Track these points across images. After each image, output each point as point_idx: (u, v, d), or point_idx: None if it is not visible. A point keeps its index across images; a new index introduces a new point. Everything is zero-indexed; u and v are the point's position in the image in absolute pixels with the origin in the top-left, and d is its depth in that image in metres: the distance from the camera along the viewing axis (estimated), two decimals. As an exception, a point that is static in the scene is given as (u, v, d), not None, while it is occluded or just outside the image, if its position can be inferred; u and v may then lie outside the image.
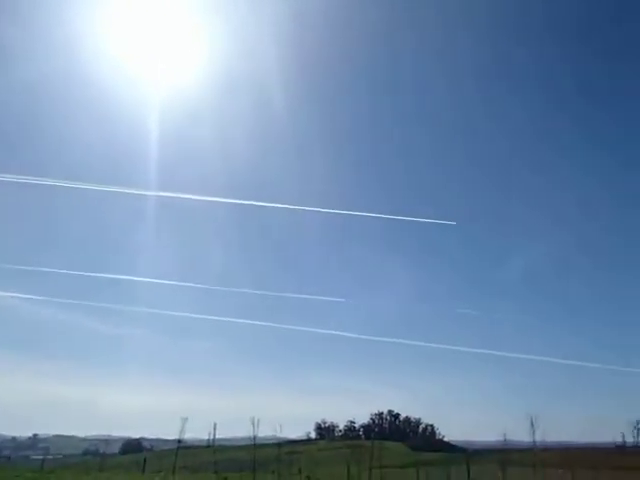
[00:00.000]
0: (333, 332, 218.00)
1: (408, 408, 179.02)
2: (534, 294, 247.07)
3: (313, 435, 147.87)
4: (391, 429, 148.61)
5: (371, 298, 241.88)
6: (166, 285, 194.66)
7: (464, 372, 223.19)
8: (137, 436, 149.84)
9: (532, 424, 15.14)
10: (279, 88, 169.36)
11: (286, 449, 65.89)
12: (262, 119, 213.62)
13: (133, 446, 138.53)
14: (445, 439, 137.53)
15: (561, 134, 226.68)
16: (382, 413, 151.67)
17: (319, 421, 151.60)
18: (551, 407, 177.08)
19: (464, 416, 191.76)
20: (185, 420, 28.03)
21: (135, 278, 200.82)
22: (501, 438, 29.69)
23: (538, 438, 16.09)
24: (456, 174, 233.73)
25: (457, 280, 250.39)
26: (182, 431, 28.69)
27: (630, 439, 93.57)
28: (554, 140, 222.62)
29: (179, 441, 31.23)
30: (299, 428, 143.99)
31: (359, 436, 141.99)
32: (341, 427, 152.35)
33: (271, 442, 65.31)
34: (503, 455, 31.01)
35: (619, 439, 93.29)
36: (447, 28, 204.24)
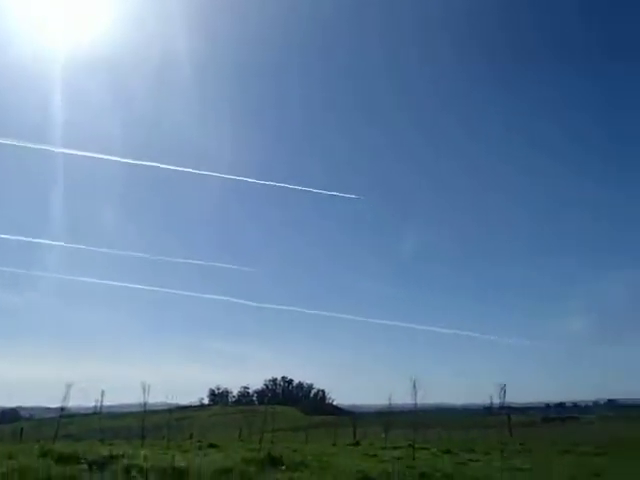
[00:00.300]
0: (228, 299, 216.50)
1: (301, 374, 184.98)
2: (427, 270, 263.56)
3: (206, 401, 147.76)
4: (284, 394, 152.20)
5: (266, 266, 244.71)
6: (56, 247, 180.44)
7: (355, 340, 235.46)
8: (14, 405, 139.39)
9: (414, 387, 16.28)
10: (186, 48, 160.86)
11: (177, 415, 65.11)
12: (167, 79, 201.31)
13: (9, 415, 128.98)
14: (335, 403, 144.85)
15: (473, 114, 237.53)
16: (276, 379, 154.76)
17: (213, 387, 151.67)
18: (431, 372, 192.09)
19: (353, 381, 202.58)
20: (69, 387, 26.16)
21: (24, 239, 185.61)
22: (386, 402, 31.48)
23: (419, 401, 17.28)
24: (364, 148, 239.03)
25: (358, 253, 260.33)
26: (66, 398, 26.76)
27: (497, 400, 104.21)
28: (468, 123, 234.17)
29: (62, 409, 29.23)
30: (193, 395, 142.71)
31: (252, 402, 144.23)
32: (235, 393, 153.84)
33: (162, 409, 64.17)
34: (386, 417, 32.90)
35: (488, 401, 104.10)
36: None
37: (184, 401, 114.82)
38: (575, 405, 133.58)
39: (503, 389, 20.83)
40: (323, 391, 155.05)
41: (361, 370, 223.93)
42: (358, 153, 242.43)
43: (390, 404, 30.19)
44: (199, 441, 26.33)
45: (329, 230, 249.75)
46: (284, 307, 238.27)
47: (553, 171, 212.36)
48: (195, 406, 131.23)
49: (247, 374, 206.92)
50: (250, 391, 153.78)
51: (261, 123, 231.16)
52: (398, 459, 16.20)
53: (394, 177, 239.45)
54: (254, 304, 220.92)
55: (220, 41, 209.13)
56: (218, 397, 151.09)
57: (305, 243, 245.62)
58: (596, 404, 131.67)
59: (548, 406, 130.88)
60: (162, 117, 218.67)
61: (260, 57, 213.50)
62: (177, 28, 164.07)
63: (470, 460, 15.91)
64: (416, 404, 15.52)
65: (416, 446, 19.92)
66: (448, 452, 18.83)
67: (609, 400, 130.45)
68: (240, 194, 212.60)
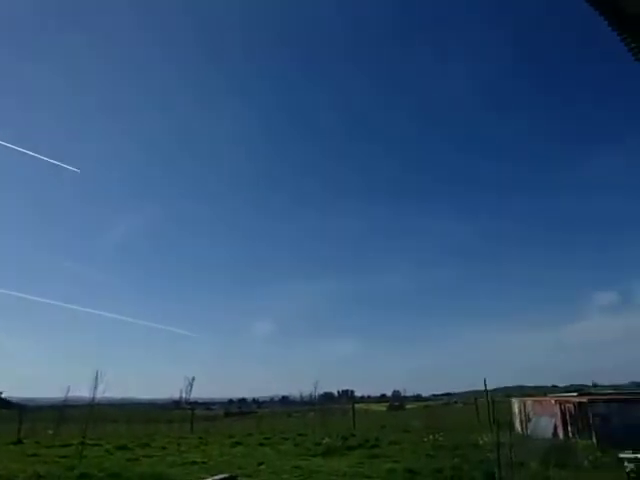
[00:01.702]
0: None
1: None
2: (126, 258, 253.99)
3: None
4: None
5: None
6: None
7: (33, 326, 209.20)
8: None
9: (96, 380, 14.76)
10: None
11: None
12: None
13: None
14: (3, 396, 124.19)
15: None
16: None
17: None
18: (117, 364, 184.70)
19: (27, 372, 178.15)
20: None
21: None
22: (63, 394, 28.12)
23: (102, 394, 15.77)
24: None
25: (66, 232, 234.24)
26: None
27: (185, 395, 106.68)
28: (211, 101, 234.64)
29: None
30: None
31: None
32: None
33: None
34: (61, 411, 29.60)
35: (177, 396, 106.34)
36: None
37: None
38: (255, 400, 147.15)
39: (191, 383, 20.89)
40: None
41: (35, 360, 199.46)
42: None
43: (66, 398, 26.97)
44: None
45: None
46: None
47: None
48: None
49: None
50: None
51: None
52: (63, 458, 14.42)
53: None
54: None
55: None
56: None
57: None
58: (272, 400, 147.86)
59: (231, 401, 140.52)
60: None
61: None
62: None
63: (144, 456, 15.25)
64: (94, 398, 14.04)
65: (90, 442, 18.23)
66: (123, 448, 17.73)
67: (283, 397, 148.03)
68: None
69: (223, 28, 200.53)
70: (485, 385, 28.38)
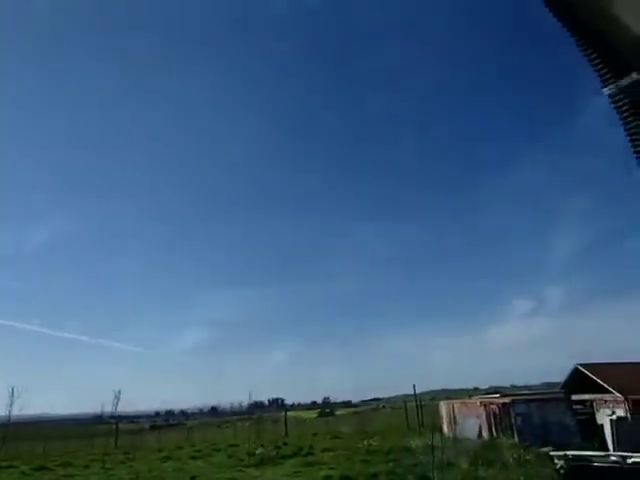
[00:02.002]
0: None
1: None
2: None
3: None
4: None
5: None
6: None
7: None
8: None
9: (11, 396, 13.74)
10: None
11: None
12: None
13: None
14: None
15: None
16: None
17: None
18: (35, 379, 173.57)
19: None
20: None
21: None
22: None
23: (17, 412, 14.70)
24: None
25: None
26: None
27: (108, 409, 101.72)
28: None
29: None
30: None
31: None
32: None
33: None
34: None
35: (98, 410, 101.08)
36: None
37: None
38: (182, 412, 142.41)
39: (117, 396, 19.91)
40: None
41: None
42: None
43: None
44: None
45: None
46: None
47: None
48: None
49: None
50: None
51: None
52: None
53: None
54: None
55: None
56: None
57: None
58: (201, 411, 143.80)
59: (157, 414, 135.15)
60: None
61: None
62: None
63: (66, 476, 14.35)
64: (9, 416, 13.03)
65: (3, 464, 16.88)
66: (42, 469, 16.57)
67: (212, 407, 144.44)
68: None
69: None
70: (414, 390, 29.20)
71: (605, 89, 3.95)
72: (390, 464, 12.01)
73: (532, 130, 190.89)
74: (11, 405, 13.47)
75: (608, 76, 3.91)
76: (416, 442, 15.12)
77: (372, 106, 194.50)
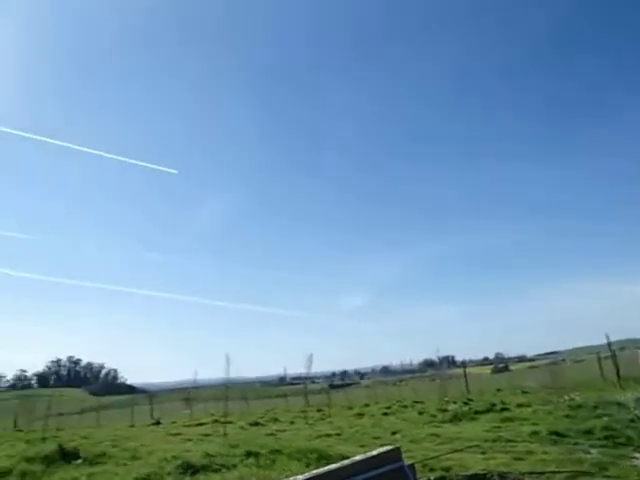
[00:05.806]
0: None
1: (91, 353, 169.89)
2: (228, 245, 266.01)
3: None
4: (70, 376, 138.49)
5: (59, 237, 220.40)
6: None
7: (149, 316, 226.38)
8: None
9: (228, 362, 15.80)
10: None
11: None
12: None
13: None
14: (128, 382, 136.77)
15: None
16: (60, 360, 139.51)
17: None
18: (238, 347, 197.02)
19: (149, 359, 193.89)
20: None
21: None
22: (178, 378, 30.42)
23: (228, 375, 16.86)
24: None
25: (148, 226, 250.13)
26: None
27: (301, 370, 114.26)
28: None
29: None
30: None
31: (31, 385, 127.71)
32: (10, 377, 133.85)
33: None
34: (186, 392, 31.88)
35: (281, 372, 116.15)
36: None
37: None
38: (356, 372, 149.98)
39: (310, 359, 21.51)
40: (115, 370, 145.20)
41: (156, 347, 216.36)
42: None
43: (195, 379, 29.16)
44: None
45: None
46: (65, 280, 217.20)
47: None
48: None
49: (26, 356, 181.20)
50: (29, 374, 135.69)
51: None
52: (206, 436, 15.53)
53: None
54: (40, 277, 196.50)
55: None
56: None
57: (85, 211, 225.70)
58: (373, 370, 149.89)
59: (334, 374, 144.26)
60: None
61: None
62: None
63: (278, 430, 16.04)
64: (227, 378, 15.02)
65: (222, 420, 19.44)
66: (256, 424, 18.81)
67: (384, 367, 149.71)
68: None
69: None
70: (608, 339, 26.62)
71: None
72: (604, 418, 11.15)
73: None
74: (228, 369, 15.57)
75: None
76: (626, 395, 13.82)
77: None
